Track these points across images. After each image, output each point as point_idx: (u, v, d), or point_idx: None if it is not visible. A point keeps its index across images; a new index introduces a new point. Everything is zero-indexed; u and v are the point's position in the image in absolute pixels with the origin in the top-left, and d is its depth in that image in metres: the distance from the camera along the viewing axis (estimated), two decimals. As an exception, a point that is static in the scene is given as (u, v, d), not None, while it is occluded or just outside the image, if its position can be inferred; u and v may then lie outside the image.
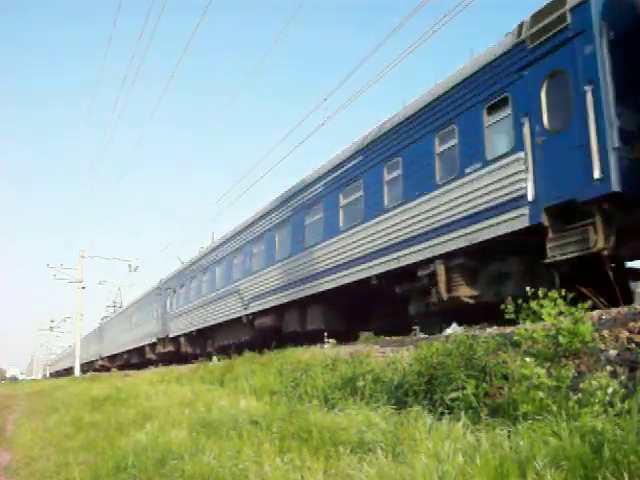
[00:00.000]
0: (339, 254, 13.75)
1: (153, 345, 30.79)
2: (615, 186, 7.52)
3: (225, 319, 20.87)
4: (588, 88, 7.89)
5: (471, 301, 10.10)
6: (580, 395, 3.88)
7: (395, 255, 11.67)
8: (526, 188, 8.69)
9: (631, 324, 5.16)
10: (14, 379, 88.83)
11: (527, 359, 4.47)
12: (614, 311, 5.97)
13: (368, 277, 12.60)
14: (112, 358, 42.73)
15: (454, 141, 10.40)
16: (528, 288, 5.35)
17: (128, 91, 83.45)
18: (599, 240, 7.61)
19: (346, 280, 13.40)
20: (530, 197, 8.63)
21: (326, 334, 13.52)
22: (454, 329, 9.20)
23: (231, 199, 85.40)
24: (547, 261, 8.21)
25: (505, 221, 9.04)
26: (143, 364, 32.51)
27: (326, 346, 11.43)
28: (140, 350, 33.78)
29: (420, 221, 11.00)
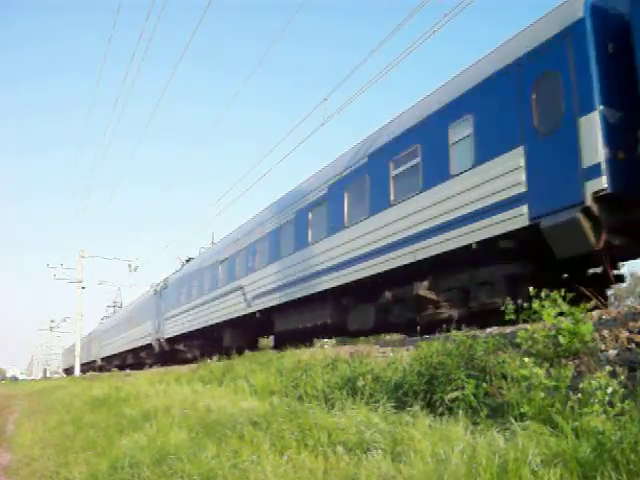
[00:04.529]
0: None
1: (148, 347, 30.68)
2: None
3: (229, 317, 19.99)
4: None
5: None
6: (580, 395, 3.88)
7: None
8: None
9: (631, 324, 5.16)
10: (14, 379, 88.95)
11: (526, 359, 4.47)
12: (614, 311, 5.98)
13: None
14: (110, 359, 42.64)
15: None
16: (531, 288, 5.38)
17: (128, 91, 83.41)
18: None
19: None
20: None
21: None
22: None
23: (231, 199, 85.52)
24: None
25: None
26: (139, 365, 32.42)
27: (326, 346, 11.45)
28: (136, 352, 33.91)
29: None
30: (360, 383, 6.10)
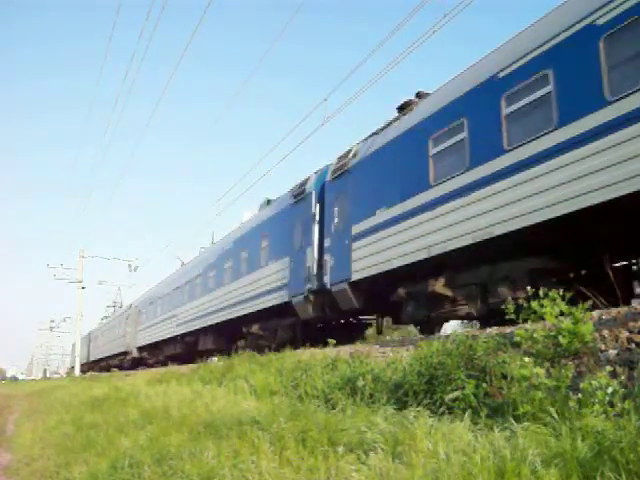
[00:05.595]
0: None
1: (274, 313, 16.15)
2: None
3: None
4: None
5: None
6: (580, 395, 3.87)
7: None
8: None
9: (631, 324, 5.16)
10: (14, 379, 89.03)
11: (526, 359, 4.46)
12: (614, 311, 5.97)
13: None
14: (158, 347, 28.66)
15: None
16: (529, 288, 5.37)
17: (129, 91, 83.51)
18: None
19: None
20: None
21: None
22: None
23: (231, 199, 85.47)
24: None
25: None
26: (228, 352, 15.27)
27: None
28: (232, 326, 19.02)
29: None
30: (360, 383, 6.10)
